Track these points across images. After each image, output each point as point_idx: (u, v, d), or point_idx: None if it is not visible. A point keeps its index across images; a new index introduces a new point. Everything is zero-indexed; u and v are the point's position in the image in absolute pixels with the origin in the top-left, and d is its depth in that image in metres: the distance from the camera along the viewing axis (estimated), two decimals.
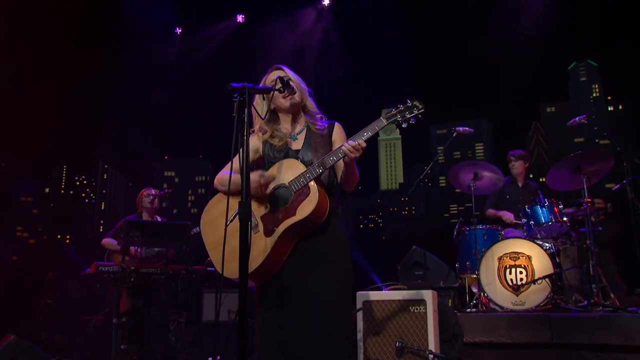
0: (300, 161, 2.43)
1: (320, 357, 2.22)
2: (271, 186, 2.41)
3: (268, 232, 2.34)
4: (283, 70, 2.59)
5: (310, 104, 2.60)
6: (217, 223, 2.52)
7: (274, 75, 2.55)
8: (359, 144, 2.25)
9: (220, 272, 2.43)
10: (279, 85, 2.40)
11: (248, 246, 1.99)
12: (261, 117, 2.56)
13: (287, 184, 2.36)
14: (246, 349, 1.89)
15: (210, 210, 2.60)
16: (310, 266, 2.34)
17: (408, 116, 2.25)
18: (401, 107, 2.26)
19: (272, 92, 2.41)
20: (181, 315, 4.85)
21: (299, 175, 2.34)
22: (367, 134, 2.27)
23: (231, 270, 2.31)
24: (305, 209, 2.29)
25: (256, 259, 2.30)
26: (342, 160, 2.32)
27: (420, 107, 2.25)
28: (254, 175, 2.35)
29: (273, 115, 2.62)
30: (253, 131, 2.60)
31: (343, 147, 2.27)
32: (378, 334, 3.60)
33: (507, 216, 5.21)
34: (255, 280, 2.41)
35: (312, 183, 2.31)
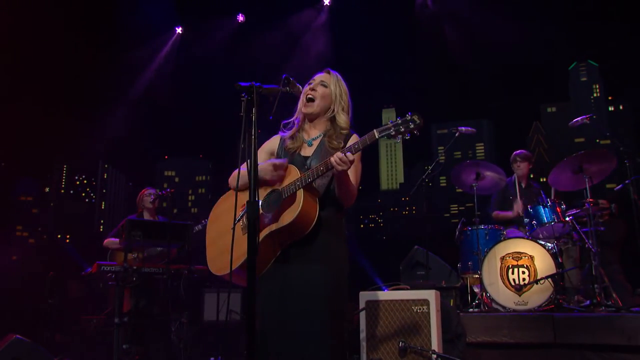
0: (307, 169, 2.41)
1: None
2: (267, 191, 2.42)
3: None
4: (329, 74, 2.59)
5: (341, 118, 2.55)
6: (220, 219, 2.55)
7: (317, 76, 2.60)
8: (346, 157, 2.21)
9: (212, 270, 2.48)
10: (283, 85, 2.39)
11: (256, 246, 1.99)
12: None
13: (279, 190, 2.37)
14: (254, 348, 1.89)
15: (217, 206, 2.63)
16: (298, 274, 2.32)
17: (402, 130, 2.18)
18: (398, 121, 2.20)
19: (280, 91, 2.39)
20: (183, 315, 4.85)
21: (291, 183, 2.33)
22: (357, 146, 2.24)
23: (218, 265, 2.40)
24: (287, 216, 2.28)
25: (236, 260, 2.31)
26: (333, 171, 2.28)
27: (418, 122, 2.17)
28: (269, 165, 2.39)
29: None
30: (287, 124, 2.64)
31: (331, 159, 2.24)
32: (381, 334, 3.60)
33: (516, 209, 5.18)
34: (238, 279, 2.41)
35: (299, 191, 2.29)
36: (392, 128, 2.19)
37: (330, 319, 2.27)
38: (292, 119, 2.64)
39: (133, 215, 5.60)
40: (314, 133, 2.59)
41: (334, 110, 2.56)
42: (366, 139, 2.22)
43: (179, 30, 11.12)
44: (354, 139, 2.49)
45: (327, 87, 2.55)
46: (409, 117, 2.18)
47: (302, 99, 2.57)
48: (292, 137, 2.59)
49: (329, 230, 2.39)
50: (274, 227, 2.31)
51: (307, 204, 2.28)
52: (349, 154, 2.22)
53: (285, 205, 2.32)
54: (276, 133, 2.70)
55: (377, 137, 2.20)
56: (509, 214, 5.29)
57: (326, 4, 10.67)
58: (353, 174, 2.44)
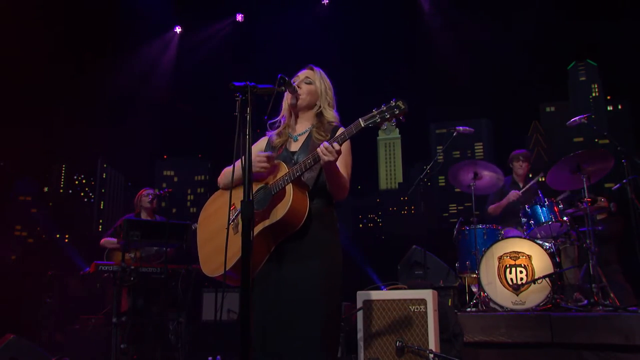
0: (294, 163, 2.40)
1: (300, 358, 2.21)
2: (255, 188, 2.40)
3: None
4: (312, 71, 2.60)
5: (328, 113, 2.56)
6: (210, 220, 2.54)
7: (300, 74, 2.60)
8: (332, 147, 2.20)
9: (206, 271, 2.48)
10: (279, 84, 2.39)
11: (250, 245, 1.98)
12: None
13: (268, 186, 2.35)
14: (248, 348, 1.89)
15: (207, 207, 2.63)
16: (292, 268, 2.32)
17: (387, 117, 2.14)
18: (383, 108, 2.17)
19: (275, 91, 2.39)
20: (181, 315, 4.84)
21: (279, 178, 2.32)
22: (343, 136, 2.22)
23: (212, 267, 2.40)
24: (279, 212, 2.26)
25: (231, 258, 2.30)
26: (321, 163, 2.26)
27: (403, 107, 2.13)
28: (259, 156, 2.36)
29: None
30: (274, 124, 2.64)
31: (317, 149, 2.23)
32: (378, 333, 3.60)
33: (513, 193, 5.15)
34: (232, 280, 2.42)
35: (288, 186, 2.28)
36: (378, 115, 2.16)
37: (327, 315, 2.27)
38: (277, 118, 2.64)
39: (131, 214, 5.59)
40: (301, 129, 2.58)
41: (320, 106, 2.56)
42: (352, 129, 2.21)
43: (178, 29, 11.12)
44: (340, 131, 2.46)
45: (311, 84, 2.55)
46: (394, 103, 2.15)
47: (287, 95, 2.57)
48: (278, 134, 2.59)
49: (321, 224, 2.38)
50: (266, 223, 2.29)
51: (297, 198, 2.26)
52: (335, 143, 2.21)
53: (275, 202, 2.30)
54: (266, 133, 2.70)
55: (362, 125, 2.18)
56: (502, 202, 5.24)
57: (325, 3, 10.66)
58: (343, 166, 2.41)
